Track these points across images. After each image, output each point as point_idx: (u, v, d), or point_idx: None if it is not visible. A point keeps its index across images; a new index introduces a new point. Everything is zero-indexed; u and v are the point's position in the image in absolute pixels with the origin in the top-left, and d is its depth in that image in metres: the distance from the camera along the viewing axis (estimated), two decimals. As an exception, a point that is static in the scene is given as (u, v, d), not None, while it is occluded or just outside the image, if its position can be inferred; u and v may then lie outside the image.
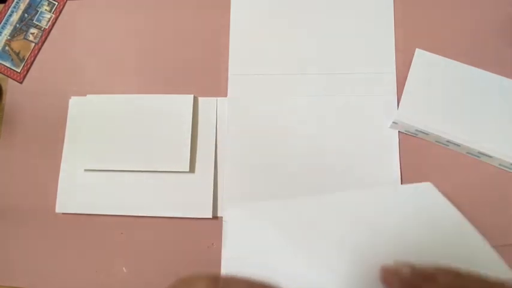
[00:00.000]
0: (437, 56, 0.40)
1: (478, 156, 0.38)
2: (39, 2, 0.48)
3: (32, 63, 0.47)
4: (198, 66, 0.44)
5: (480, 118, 0.38)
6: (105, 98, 0.44)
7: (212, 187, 0.40)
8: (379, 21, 0.42)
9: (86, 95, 0.44)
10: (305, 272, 0.25)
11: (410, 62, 0.40)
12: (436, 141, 0.39)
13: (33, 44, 0.47)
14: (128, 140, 0.42)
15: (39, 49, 0.47)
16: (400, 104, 0.39)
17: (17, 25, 0.48)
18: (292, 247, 0.26)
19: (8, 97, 0.47)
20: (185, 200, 0.40)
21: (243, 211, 0.31)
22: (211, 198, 0.40)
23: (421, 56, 0.40)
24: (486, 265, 0.27)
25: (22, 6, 0.48)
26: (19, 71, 0.47)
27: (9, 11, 0.48)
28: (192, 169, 0.41)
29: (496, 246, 0.36)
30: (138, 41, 0.46)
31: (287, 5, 0.44)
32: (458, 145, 0.38)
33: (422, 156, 0.39)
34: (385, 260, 0.23)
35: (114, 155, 0.42)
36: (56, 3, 0.48)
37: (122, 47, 0.46)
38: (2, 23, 0.48)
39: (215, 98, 0.43)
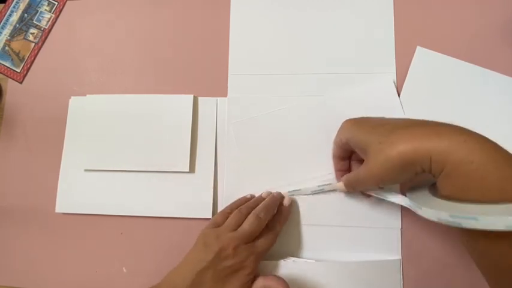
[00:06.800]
0: (438, 53, 0.40)
1: (478, 156, 0.38)
2: (39, 2, 0.48)
3: (31, 63, 0.47)
4: (198, 66, 0.44)
5: (481, 116, 0.38)
6: (105, 98, 0.44)
7: (212, 187, 0.40)
8: (379, 21, 0.42)
9: (86, 95, 0.44)
10: None
11: (411, 61, 0.40)
12: (436, 141, 0.39)
13: (33, 44, 0.47)
14: (128, 140, 0.42)
15: (39, 49, 0.47)
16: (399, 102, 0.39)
17: (17, 25, 0.48)
18: None
19: (8, 97, 0.47)
20: (185, 200, 0.40)
21: None
22: (211, 198, 0.40)
23: (421, 54, 0.40)
24: None
25: (22, 6, 0.48)
26: (19, 71, 0.47)
27: (9, 11, 0.48)
28: (192, 169, 0.41)
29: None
30: (138, 41, 0.46)
31: (287, 5, 0.44)
32: (458, 145, 0.38)
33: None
34: None
35: (114, 155, 0.42)
36: (56, 3, 0.48)
37: (121, 47, 0.46)
38: (1, 23, 0.48)
39: (215, 98, 0.43)
